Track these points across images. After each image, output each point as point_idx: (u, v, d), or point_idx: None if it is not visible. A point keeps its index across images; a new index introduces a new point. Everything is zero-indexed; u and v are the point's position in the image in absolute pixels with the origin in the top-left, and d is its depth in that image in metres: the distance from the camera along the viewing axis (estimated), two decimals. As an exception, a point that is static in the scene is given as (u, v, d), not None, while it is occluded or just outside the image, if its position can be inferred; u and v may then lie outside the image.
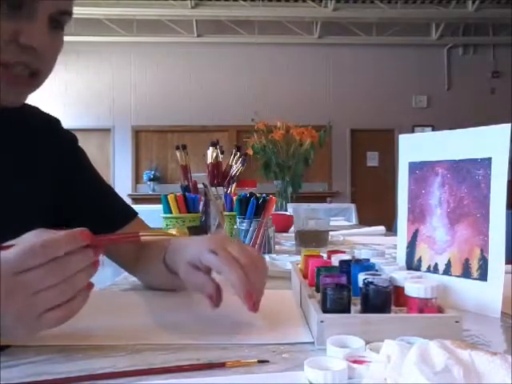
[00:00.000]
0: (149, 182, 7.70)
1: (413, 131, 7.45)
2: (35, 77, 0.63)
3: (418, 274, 0.60)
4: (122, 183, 7.40)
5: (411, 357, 0.35)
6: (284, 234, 1.67)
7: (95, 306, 0.68)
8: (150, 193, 7.45)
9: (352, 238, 1.66)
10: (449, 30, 7.77)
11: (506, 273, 0.60)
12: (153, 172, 7.71)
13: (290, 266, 0.85)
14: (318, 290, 0.61)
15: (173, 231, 0.56)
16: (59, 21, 0.63)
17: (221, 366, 0.43)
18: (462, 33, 7.86)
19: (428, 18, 7.47)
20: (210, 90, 7.74)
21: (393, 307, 0.52)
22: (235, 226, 1.18)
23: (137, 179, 7.89)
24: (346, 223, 2.67)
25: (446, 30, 7.74)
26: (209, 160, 1.57)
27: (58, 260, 0.43)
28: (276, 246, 1.27)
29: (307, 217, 1.27)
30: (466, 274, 0.64)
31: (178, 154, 1.51)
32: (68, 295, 0.44)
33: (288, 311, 0.62)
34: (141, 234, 0.51)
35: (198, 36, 7.67)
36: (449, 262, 0.67)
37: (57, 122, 0.81)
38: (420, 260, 0.71)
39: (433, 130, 7.26)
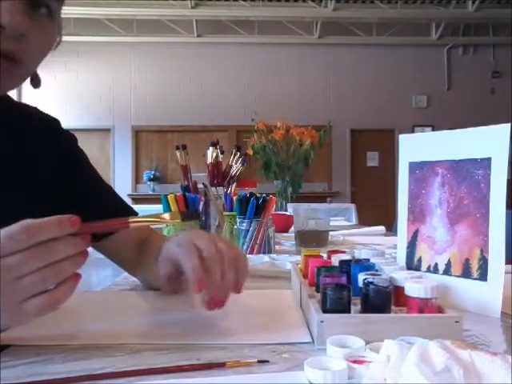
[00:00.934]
0: (149, 182, 7.70)
1: (413, 131, 7.45)
2: (14, 64, 0.57)
3: (418, 274, 0.60)
4: (121, 183, 7.40)
5: (411, 357, 0.35)
6: (284, 234, 1.67)
7: (95, 306, 0.68)
8: (150, 193, 7.46)
9: (352, 238, 1.66)
10: (449, 29, 7.78)
11: (506, 273, 0.60)
12: (153, 172, 7.71)
13: (289, 266, 0.85)
14: (318, 290, 0.61)
15: (165, 216, 0.53)
16: (45, 4, 0.57)
17: (221, 366, 0.43)
18: (462, 33, 7.87)
19: (428, 18, 7.48)
20: (209, 90, 7.74)
21: (393, 307, 0.52)
22: (235, 226, 1.18)
23: (137, 179, 7.90)
24: (346, 223, 2.67)
25: (446, 30, 7.75)
26: (209, 160, 1.57)
27: (42, 245, 0.42)
28: (276, 246, 1.26)
29: (307, 217, 1.26)
30: (466, 274, 0.64)
31: (178, 153, 1.51)
32: (52, 281, 0.42)
33: (288, 311, 0.62)
34: (130, 219, 0.49)
35: (198, 36, 7.67)
36: (449, 262, 0.67)
37: (56, 122, 0.80)
38: (420, 260, 0.71)
39: (433, 129, 7.26)
